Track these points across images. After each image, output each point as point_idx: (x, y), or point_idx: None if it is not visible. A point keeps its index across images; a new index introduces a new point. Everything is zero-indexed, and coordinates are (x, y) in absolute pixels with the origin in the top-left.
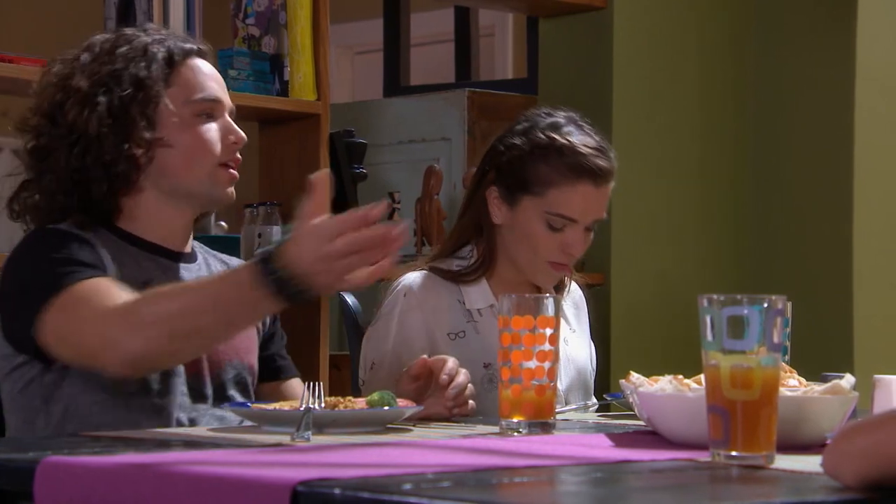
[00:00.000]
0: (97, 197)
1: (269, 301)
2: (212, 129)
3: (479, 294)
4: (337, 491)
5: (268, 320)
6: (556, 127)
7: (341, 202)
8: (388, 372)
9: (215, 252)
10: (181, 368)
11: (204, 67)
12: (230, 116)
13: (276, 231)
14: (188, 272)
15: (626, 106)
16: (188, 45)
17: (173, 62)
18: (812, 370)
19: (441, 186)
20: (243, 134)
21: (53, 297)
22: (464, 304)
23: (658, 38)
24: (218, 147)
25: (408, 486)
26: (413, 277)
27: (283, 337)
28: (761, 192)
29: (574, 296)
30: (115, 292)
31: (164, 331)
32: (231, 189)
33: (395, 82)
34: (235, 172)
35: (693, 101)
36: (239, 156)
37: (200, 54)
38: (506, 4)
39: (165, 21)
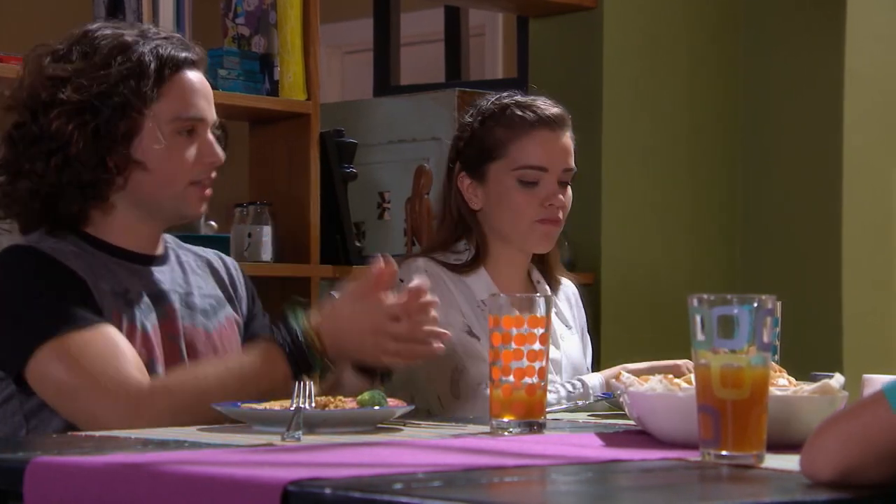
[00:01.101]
0: (67, 212)
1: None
2: (190, 151)
3: (481, 286)
4: (327, 491)
5: (244, 306)
6: (500, 97)
7: (330, 202)
8: None
9: (188, 245)
10: None
11: (195, 81)
12: (213, 128)
13: (265, 231)
14: (160, 274)
15: (616, 106)
16: (183, 55)
17: (164, 75)
18: (801, 370)
19: (431, 186)
20: (221, 154)
21: (49, 340)
22: (473, 296)
23: (648, 38)
24: (193, 168)
25: (398, 486)
26: (420, 270)
27: (264, 315)
28: (751, 192)
29: (567, 291)
30: (114, 356)
31: (181, 419)
32: (203, 206)
33: (385, 82)
34: (209, 191)
35: (683, 100)
36: (213, 174)
37: (194, 65)
38: (496, 4)
39: (155, 21)
